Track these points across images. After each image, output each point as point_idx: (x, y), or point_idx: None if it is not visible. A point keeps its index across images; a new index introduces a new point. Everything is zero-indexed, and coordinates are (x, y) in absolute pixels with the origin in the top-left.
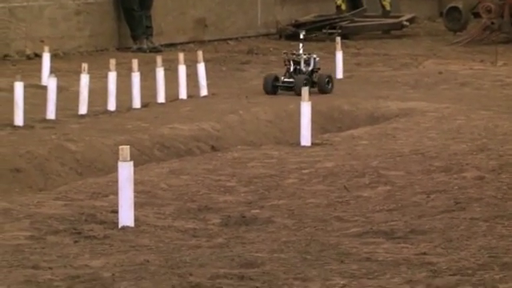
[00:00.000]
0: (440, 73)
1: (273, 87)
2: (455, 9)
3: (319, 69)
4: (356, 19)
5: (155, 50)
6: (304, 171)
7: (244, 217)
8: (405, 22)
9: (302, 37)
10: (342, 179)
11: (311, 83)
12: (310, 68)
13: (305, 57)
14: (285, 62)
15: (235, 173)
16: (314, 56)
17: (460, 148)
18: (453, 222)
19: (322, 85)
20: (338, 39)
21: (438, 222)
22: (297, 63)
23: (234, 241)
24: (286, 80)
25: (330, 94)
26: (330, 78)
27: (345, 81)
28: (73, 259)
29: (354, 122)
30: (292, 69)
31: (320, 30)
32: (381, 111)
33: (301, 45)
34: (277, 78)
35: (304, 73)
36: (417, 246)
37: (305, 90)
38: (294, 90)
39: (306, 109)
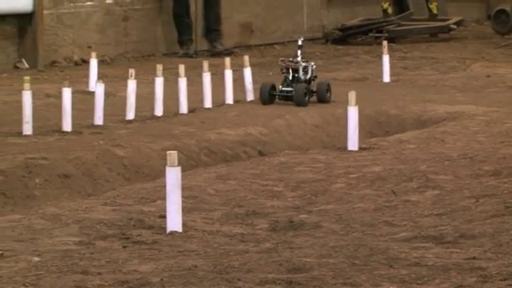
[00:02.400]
0: (488, 76)
1: (270, 96)
2: (503, 11)
3: (316, 77)
4: (403, 23)
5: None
6: (351, 176)
7: (292, 222)
8: (452, 25)
9: (300, 43)
10: (389, 184)
11: (310, 92)
12: (308, 76)
13: (303, 64)
14: (282, 69)
15: (282, 177)
16: (312, 63)
17: (509, 152)
18: (503, 226)
19: (321, 94)
20: (385, 43)
21: (487, 227)
22: (295, 71)
23: (281, 246)
24: (284, 89)
25: (376, 99)
26: (329, 87)
27: (392, 84)
28: (122, 264)
29: (402, 126)
30: (290, 77)
31: (366, 34)
32: (428, 115)
33: (299, 51)
34: (274, 87)
35: (302, 81)
36: (466, 251)
37: (352, 94)
38: (292, 100)
39: (353, 113)
